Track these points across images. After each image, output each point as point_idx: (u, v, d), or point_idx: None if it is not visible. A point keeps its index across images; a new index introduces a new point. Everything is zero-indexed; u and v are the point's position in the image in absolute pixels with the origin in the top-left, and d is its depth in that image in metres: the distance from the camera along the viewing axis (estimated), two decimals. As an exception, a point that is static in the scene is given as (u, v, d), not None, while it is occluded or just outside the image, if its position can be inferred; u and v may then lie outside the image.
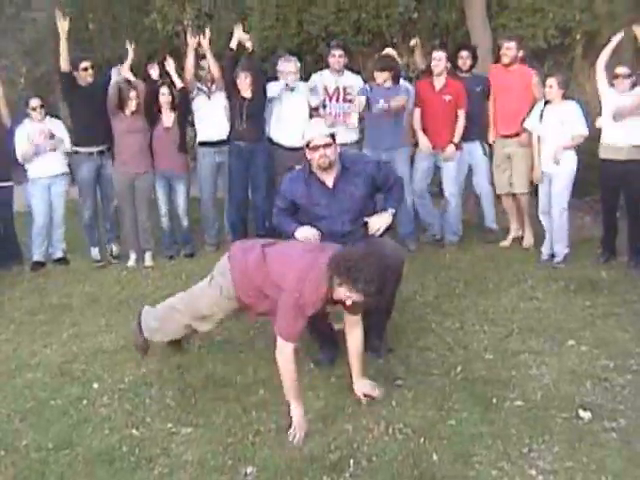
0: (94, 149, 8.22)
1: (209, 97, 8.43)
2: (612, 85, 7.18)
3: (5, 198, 8.33)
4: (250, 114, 8.14)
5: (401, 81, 7.91)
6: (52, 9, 12.42)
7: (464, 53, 8.03)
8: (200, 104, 8.45)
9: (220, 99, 8.38)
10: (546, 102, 7.37)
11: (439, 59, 7.97)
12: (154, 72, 8.34)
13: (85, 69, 8.24)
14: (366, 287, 4.18)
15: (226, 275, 4.77)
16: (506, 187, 8.12)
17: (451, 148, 8.01)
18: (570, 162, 7.32)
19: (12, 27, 13.50)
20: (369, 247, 4.65)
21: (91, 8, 12.45)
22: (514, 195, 8.13)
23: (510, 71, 7.90)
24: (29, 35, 13.22)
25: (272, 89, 8.30)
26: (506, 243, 8.18)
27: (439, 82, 8.00)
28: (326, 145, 5.18)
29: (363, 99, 7.72)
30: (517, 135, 7.82)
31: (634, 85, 7.06)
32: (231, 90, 8.20)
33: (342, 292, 4.24)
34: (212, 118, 8.40)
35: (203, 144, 8.51)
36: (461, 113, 7.97)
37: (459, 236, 8.38)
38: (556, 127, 7.26)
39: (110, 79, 8.31)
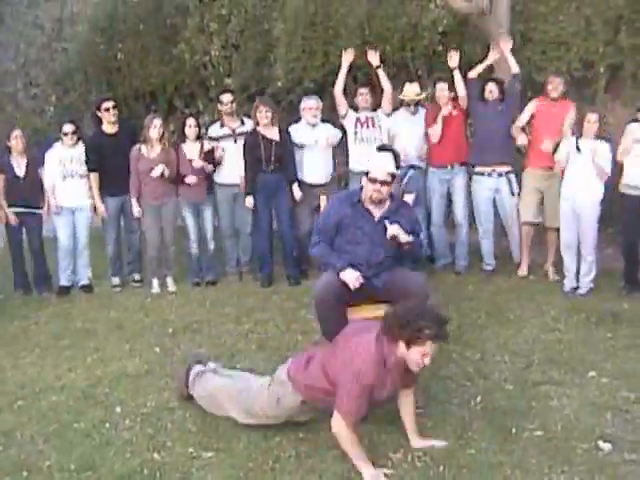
0: (122, 196, 8.38)
1: (235, 141, 8.48)
2: (635, 120, 7.21)
3: (35, 225, 8.48)
4: (278, 158, 8.16)
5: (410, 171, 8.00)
6: (82, 38, 12.68)
7: (492, 85, 8.07)
8: (226, 149, 8.48)
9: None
10: (579, 136, 7.40)
11: (441, 90, 8.23)
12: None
13: (107, 109, 8.39)
14: (436, 329, 4.04)
15: (287, 387, 4.51)
16: (534, 215, 8.08)
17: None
18: (598, 194, 7.36)
19: (43, 57, 13.70)
20: (407, 302, 4.50)
21: (120, 38, 12.62)
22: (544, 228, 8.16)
23: (555, 105, 7.94)
24: (60, 65, 13.39)
25: (301, 135, 8.41)
26: (523, 273, 8.20)
27: (446, 109, 8.17)
28: (384, 182, 5.27)
29: None
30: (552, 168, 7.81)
31: None
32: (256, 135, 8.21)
33: (415, 353, 4.07)
34: (237, 162, 8.40)
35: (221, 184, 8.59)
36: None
37: (467, 263, 8.54)
38: (589, 162, 7.28)
39: (133, 127, 8.40)
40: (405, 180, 7.75)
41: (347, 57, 8.48)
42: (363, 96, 8.49)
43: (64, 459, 4.48)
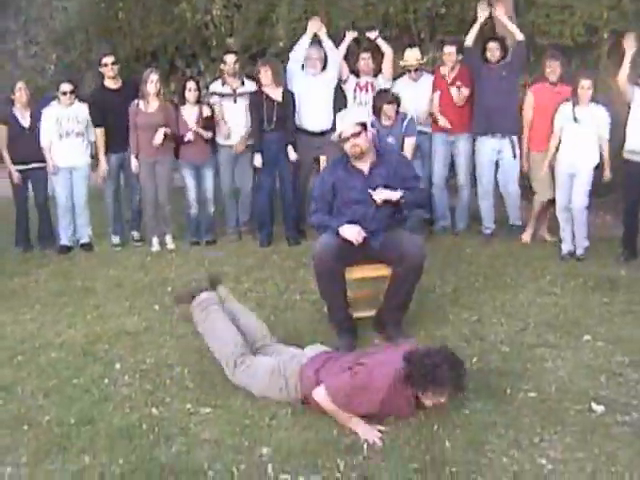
0: (121, 154, 8.42)
1: (235, 100, 8.51)
2: (637, 84, 7.20)
3: (41, 179, 8.57)
4: (279, 118, 8.20)
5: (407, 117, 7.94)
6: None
7: (492, 45, 8.03)
8: (226, 107, 8.53)
9: (245, 105, 8.47)
10: (575, 104, 7.42)
11: (449, 53, 8.18)
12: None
13: (106, 65, 8.42)
14: (455, 384, 4.18)
15: (293, 384, 4.49)
16: (550, 193, 7.99)
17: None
18: (593, 160, 7.42)
19: (43, 15, 13.62)
20: (431, 349, 4.39)
21: (121, -3, 12.57)
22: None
23: (555, 88, 7.86)
24: (60, 23, 13.32)
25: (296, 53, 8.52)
26: (527, 238, 8.23)
27: (452, 74, 8.23)
28: (355, 134, 5.29)
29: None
30: None
31: None
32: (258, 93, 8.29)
33: (432, 397, 4.19)
34: (235, 122, 8.48)
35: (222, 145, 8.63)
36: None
37: (466, 224, 8.67)
38: (588, 126, 7.34)
39: (136, 84, 8.36)
40: (405, 124, 7.79)
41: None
42: (365, 61, 8.50)
43: (63, 413, 4.52)
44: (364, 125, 5.39)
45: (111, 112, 8.28)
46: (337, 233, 5.30)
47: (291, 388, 4.48)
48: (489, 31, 8.64)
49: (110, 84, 8.50)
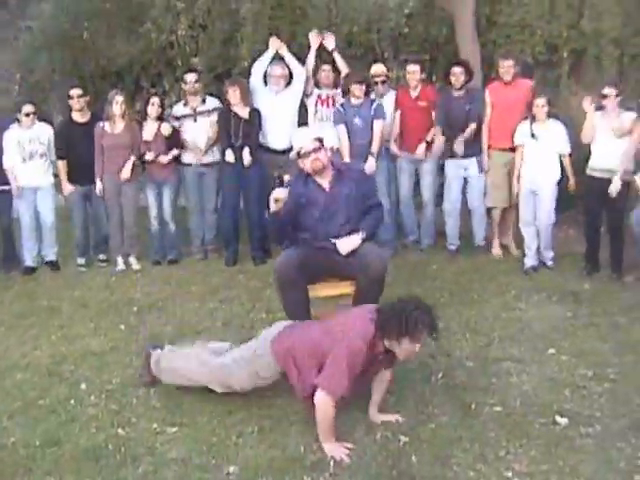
0: (87, 186, 8.38)
1: (195, 119, 8.54)
2: (600, 108, 7.31)
3: (6, 202, 8.45)
4: (246, 134, 8.22)
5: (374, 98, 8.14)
6: (47, 17, 12.55)
7: (457, 69, 8.06)
8: (186, 127, 8.54)
9: (206, 123, 8.51)
10: (533, 120, 7.56)
11: (413, 72, 8.26)
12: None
13: (71, 97, 8.40)
14: (429, 325, 4.18)
15: (266, 358, 4.52)
16: (506, 200, 8.19)
17: (421, 147, 8.27)
18: (554, 175, 7.59)
19: (7, 35, 13.54)
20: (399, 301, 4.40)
21: (86, 17, 12.50)
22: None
23: (510, 86, 8.02)
24: (24, 43, 13.24)
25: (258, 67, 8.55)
26: (497, 251, 8.32)
27: (415, 92, 8.30)
28: (316, 149, 5.36)
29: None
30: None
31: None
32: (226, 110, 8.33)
33: (407, 344, 4.16)
34: (196, 141, 8.52)
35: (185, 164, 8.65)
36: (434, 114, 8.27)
37: (434, 240, 8.73)
38: (546, 143, 7.51)
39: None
40: (374, 106, 7.97)
41: (314, 39, 8.48)
42: (325, 73, 8.58)
43: (29, 435, 4.50)
44: (321, 140, 5.45)
45: (78, 145, 8.24)
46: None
47: (266, 367, 4.50)
48: (453, 55, 8.73)
49: (77, 117, 8.47)
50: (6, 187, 8.34)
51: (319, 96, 8.58)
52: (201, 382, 4.81)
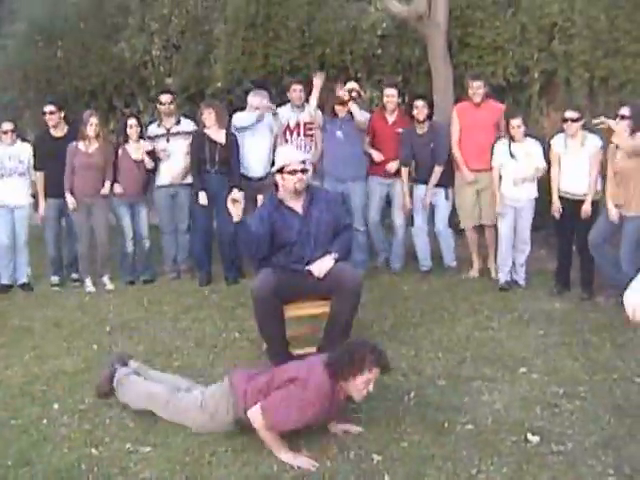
0: (61, 199, 8.33)
1: (168, 140, 8.53)
2: (562, 130, 7.42)
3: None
4: (222, 160, 8.21)
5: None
6: (21, 36, 12.54)
7: (419, 103, 8.11)
8: (160, 147, 8.53)
9: (181, 144, 8.52)
10: (510, 141, 7.64)
11: (392, 96, 8.32)
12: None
13: (45, 113, 8.44)
14: (377, 356, 4.29)
15: (224, 406, 4.54)
16: (475, 220, 8.27)
17: (393, 165, 8.35)
18: (532, 193, 7.71)
19: (-20, 54, 13.53)
20: (346, 342, 4.70)
21: (60, 36, 12.51)
22: (481, 227, 8.35)
23: (479, 107, 8.09)
24: (-2, 62, 13.25)
25: (243, 119, 8.44)
26: (474, 274, 8.37)
27: (392, 117, 8.33)
28: (303, 170, 5.47)
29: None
30: (489, 169, 7.90)
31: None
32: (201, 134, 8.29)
33: (360, 381, 4.26)
34: (169, 161, 8.53)
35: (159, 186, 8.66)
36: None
37: (402, 264, 8.75)
38: (524, 161, 7.58)
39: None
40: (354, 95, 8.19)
41: (318, 81, 8.36)
42: (297, 93, 8.59)
43: (1, 455, 4.46)
44: (305, 163, 5.59)
45: (53, 158, 8.22)
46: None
47: (222, 411, 4.52)
48: (424, 74, 8.83)
49: (54, 132, 8.51)
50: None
51: (287, 126, 8.59)
52: (156, 410, 4.83)
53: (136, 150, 8.30)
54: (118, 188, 8.27)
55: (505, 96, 9.49)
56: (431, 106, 8.26)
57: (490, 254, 8.42)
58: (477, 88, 8.01)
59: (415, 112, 8.12)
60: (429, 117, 8.20)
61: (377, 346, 4.39)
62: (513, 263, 7.88)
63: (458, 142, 8.17)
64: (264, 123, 8.48)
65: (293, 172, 5.49)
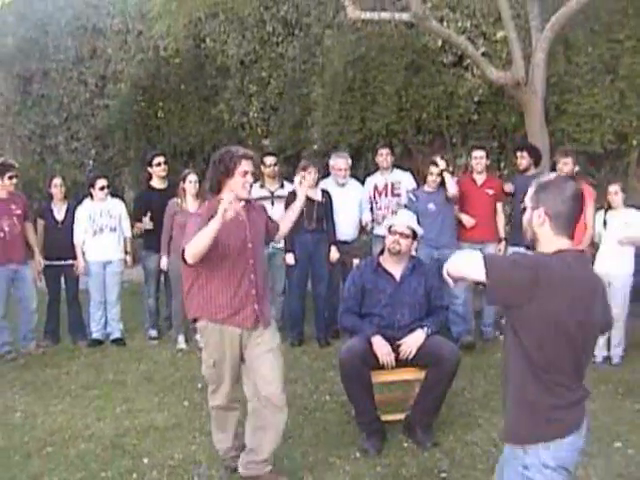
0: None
1: (272, 203, 8.42)
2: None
3: (72, 275, 8.65)
4: (319, 218, 8.21)
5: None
6: (123, 96, 12.96)
7: (518, 153, 8.14)
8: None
9: (282, 208, 8.38)
10: (607, 209, 7.48)
11: (480, 157, 8.27)
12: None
13: (159, 164, 8.66)
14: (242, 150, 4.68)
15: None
16: None
17: (497, 245, 8.29)
18: (629, 264, 7.42)
19: (85, 112, 13.98)
20: None
21: (161, 97, 12.89)
22: None
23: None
24: (101, 120, 13.67)
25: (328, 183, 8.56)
26: None
27: (480, 178, 8.29)
28: (403, 235, 5.55)
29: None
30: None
31: None
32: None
33: (237, 177, 4.56)
34: None
35: None
36: (499, 206, 8.30)
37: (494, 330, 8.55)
38: (620, 230, 7.34)
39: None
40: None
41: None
42: (383, 156, 8.63)
43: (91, 507, 4.54)
44: (415, 233, 5.62)
45: (155, 212, 8.31)
46: (368, 340, 5.38)
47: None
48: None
49: (157, 184, 8.71)
50: (73, 262, 8.57)
51: (375, 186, 8.64)
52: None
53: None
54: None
55: (602, 164, 9.38)
56: (533, 156, 8.13)
57: None
58: (564, 164, 7.65)
59: (517, 161, 8.15)
60: (530, 166, 8.13)
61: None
62: (608, 340, 7.54)
63: None
64: (349, 188, 8.57)
65: (394, 232, 5.58)
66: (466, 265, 3.01)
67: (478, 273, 2.90)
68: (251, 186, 4.74)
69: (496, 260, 3.21)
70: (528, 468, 2.99)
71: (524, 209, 3.14)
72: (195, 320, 4.68)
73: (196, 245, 4.25)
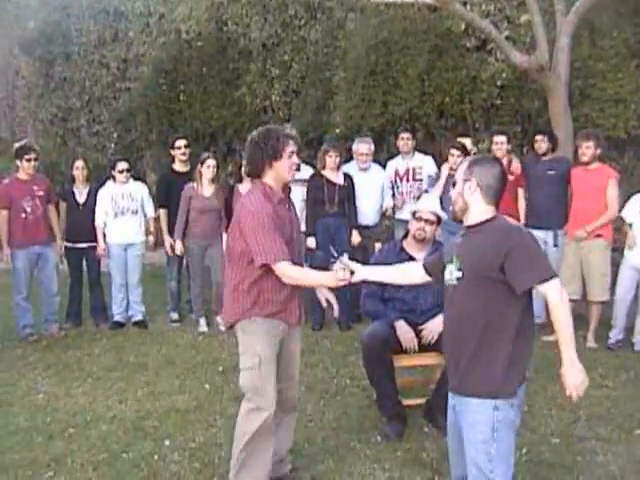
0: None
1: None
2: None
3: (94, 257, 8.71)
4: (341, 201, 8.23)
5: None
6: (145, 79, 12.96)
7: (538, 137, 8.06)
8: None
9: (298, 191, 8.35)
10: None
11: (501, 143, 8.19)
12: None
13: (179, 147, 8.72)
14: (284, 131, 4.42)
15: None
16: (576, 294, 7.62)
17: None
18: None
19: (107, 95, 14.01)
20: None
21: (183, 80, 12.87)
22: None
23: (589, 170, 7.63)
24: (123, 103, 13.69)
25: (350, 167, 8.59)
26: (552, 338, 8.09)
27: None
28: (428, 221, 5.53)
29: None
30: (598, 236, 7.53)
31: None
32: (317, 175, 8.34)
33: (284, 161, 4.28)
34: None
35: None
36: (521, 192, 8.20)
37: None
38: None
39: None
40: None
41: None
42: (404, 141, 8.66)
43: (112, 488, 4.57)
44: (439, 218, 5.60)
45: (176, 195, 8.34)
46: (391, 324, 5.37)
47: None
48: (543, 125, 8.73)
49: (179, 167, 8.77)
50: (94, 244, 8.63)
51: (396, 171, 8.66)
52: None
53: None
54: None
55: (626, 150, 9.30)
56: (552, 141, 8.08)
57: (590, 327, 7.81)
58: (586, 148, 7.58)
59: (535, 145, 8.09)
60: (549, 151, 8.07)
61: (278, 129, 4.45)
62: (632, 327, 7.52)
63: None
64: (372, 172, 8.59)
65: (419, 219, 5.56)
66: None
67: None
68: (298, 169, 4.48)
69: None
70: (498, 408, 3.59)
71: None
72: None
73: (299, 279, 4.28)
